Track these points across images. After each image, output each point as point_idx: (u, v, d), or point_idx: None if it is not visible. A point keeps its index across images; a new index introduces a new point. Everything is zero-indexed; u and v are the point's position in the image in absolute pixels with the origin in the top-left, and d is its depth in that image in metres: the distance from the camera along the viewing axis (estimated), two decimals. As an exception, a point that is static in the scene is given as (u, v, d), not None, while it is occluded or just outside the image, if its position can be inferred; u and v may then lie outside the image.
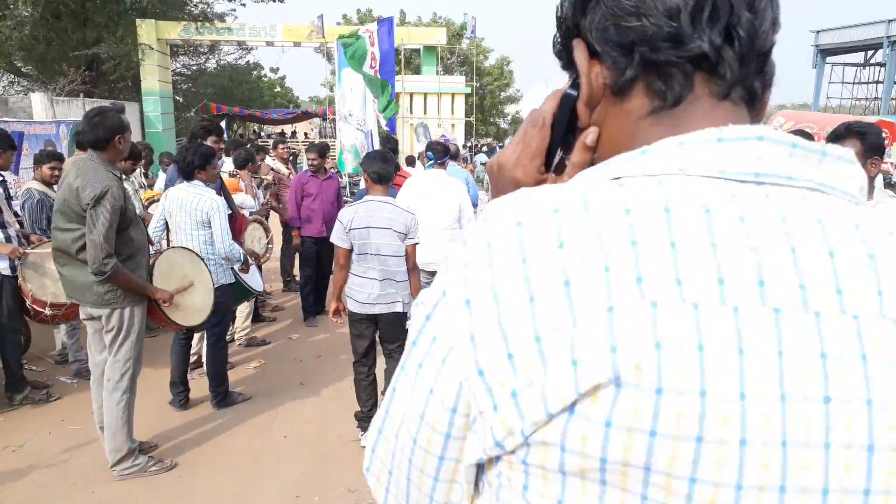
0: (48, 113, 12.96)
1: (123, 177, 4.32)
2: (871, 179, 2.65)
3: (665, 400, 0.50)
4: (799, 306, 0.52)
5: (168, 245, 4.54)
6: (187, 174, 4.43)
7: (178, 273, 3.91)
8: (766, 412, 0.50)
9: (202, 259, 4.16)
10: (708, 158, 0.57)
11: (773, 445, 0.50)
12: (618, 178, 0.58)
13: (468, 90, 26.12)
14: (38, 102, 13.37)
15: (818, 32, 35.74)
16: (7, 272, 4.48)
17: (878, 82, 35.73)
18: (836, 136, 2.62)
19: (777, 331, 0.51)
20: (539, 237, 0.55)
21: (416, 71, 26.59)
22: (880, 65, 34.85)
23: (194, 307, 3.96)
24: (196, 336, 4.99)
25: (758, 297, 0.51)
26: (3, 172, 4.76)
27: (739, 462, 0.50)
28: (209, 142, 5.44)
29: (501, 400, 0.54)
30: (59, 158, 5.27)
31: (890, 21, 31.00)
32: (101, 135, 3.39)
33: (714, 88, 0.61)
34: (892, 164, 8.92)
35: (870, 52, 35.80)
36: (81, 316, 3.66)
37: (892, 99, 33.90)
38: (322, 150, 7.04)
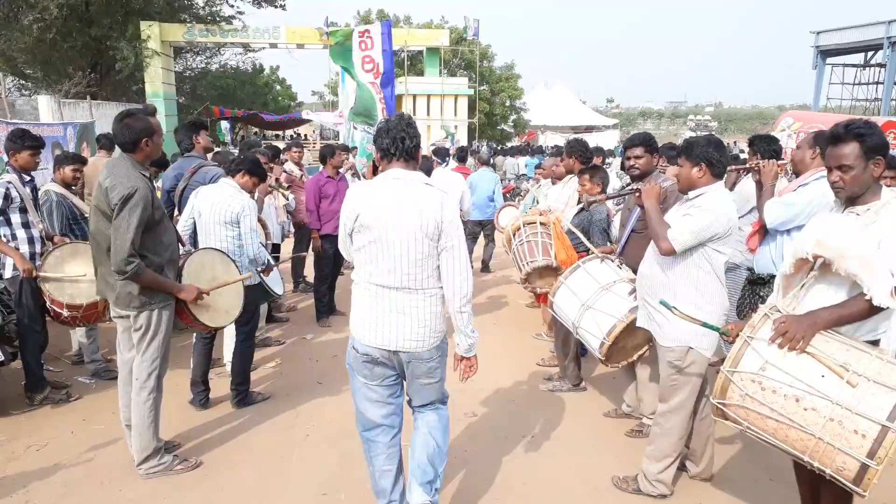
0: (55, 115, 12.99)
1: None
2: (877, 180, 2.58)
3: (365, 214, 2.81)
4: (392, 211, 2.80)
5: (196, 245, 4.57)
6: (231, 171, 4.65)
7: (207, 274, 3.92)
8: (384, 226, 2.80)
9: (233, 260, 4.18)
10: (391, 174, 2.89)
11: (382, 230, 2.80)
12: (385, 178, 2.90)
13: (471, 92, 26.15)
14: (45, 105, 13.39)
15: (818, 33, 35.79)
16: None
17: (878, 83, 35.73)
18: (836, 137, 2.61)
19: (389, 215, 2.79)
20: (360, 191, 2.91)
21: (419, 73, 26.59)
22: (880, 65, 34.87)
23: (222, 308, 3.97)
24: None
25: (388, 206, 2.80)
26: (32, 173, 4.79)
27: (373, 231, 2.82)
28: (201, 136, 5.47)
29: (349, 223, 2.89)
30: (83, 161, 5.31)
31: (890, 22, 31.03)
32: (128, 136, 3.44)
33: (396, 157, 2.89)
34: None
35: (870, 53, 35.84)
36: (112, 314, 3.68)
37: (893, 100, 33.91)
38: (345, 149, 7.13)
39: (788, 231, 3.75)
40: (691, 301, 3.27)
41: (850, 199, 2.62)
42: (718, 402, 2.64)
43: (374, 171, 2.99)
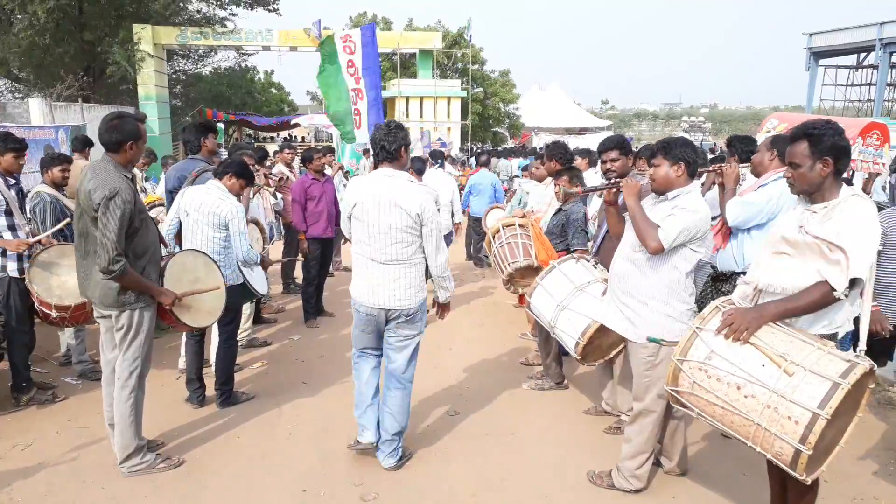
0: (46, 118, 13.01)
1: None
2: (825, 180, 2.66)
3: (361, 203, 3.66)
4: (383, 200, 3.61)
5: (180, 244, 4.63)
6: (218, 173, 4.67)
7: (189, 276, 3.98)
8: (376, 213, 3.62)
9: (215, 262, 4.24)
10: (382, 172, 3.68)
11: (375, 216, 3.62)
12: (376, 174, 3.74)
13: (464, 94, 26.23)
14: (36, 108, 13.41)
15: (811, 35, 35.96)
16: (15, 273, 4.55)
17: (870, 84, 35.93)
18: (794, 137, 2.74)
19: (381, 203, 3.60)
20: (360, 183, 3.77)
21: (413, 75, 26.66)
22: (872, 67, 35.06)
23: (204, 309, 4.02)
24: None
25: (380, 196, 3.61)
26: (17, 176, 4.83)
27: (366, 217, 3.66)
28: (209, 139, 5.45)
29: (348, 209, 3.74)
30: (69, 160, 5.35)
31: (882, 24, 31.21)
32: (115, 137, 3.51)
33: (383, 160, 3.69)
34: (883, 164, 9.02)
35: (862, 55, 36.04)
36: (95, 314, 3.73)
37: (885, 101, 34.10)
38: (329, 151, 7.17)
39: (749, 230, 3.84)
40: (662, 300, 3.34)
41: (809, 196, 2.72)
42: (671, 389, 2.79)
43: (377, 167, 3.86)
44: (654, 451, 3.64)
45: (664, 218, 3.31)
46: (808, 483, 2.47)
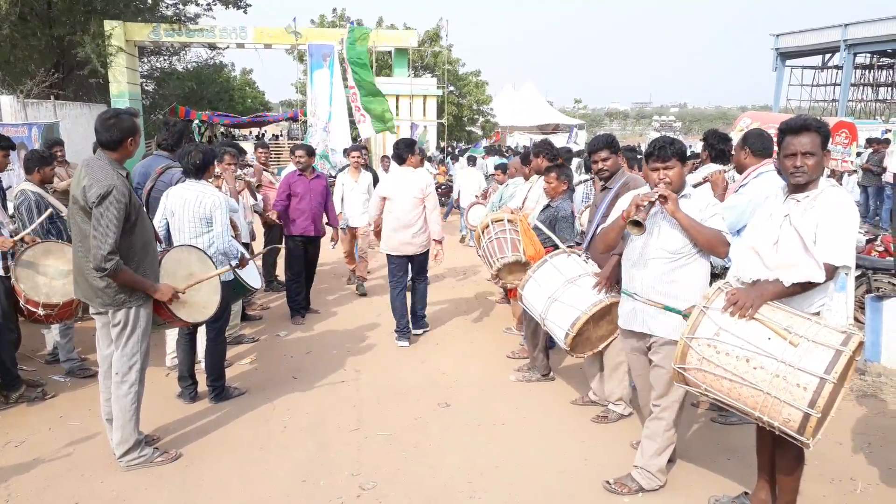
0: (18, 115, 12.79)
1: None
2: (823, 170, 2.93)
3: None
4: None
5: (170, 245, 4.64)
6: (200, 173, 4.65)
7: (183, 271, 4.00)
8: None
9: (210, 257, 4.26)
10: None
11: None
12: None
13: (439, 93, 26.29)
14: (8, 105, 13.17)
15: (778, 36, 36.71)
16: (0, 272, 4.53)
17: (835, 84, 36.82)
18: (800, 129, 2.88)
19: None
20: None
21: (388, 73, 26.67)
22: (837, 68, 35.92)
23: (199, 304, 4.05)
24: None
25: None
26: None
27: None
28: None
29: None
30: (55, 158, 5.35)
31: (847, 25, 32.00)
32: (115, 135, 3.53)
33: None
34: (851, 162, 9.35)
35: (827, 56, 36.90)
36: (91, 311, 3.74)
37: (849, 101, 34.97)
38: (311, 150, 7.17)
39: (738, 231, 3.99)
40: (691, 297, 3.30)
41: (804, 186, 2.89)
42: (679, 368, 2.93)
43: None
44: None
45: (707, 218, 3.31)
46: (811, 448, 2.66)
